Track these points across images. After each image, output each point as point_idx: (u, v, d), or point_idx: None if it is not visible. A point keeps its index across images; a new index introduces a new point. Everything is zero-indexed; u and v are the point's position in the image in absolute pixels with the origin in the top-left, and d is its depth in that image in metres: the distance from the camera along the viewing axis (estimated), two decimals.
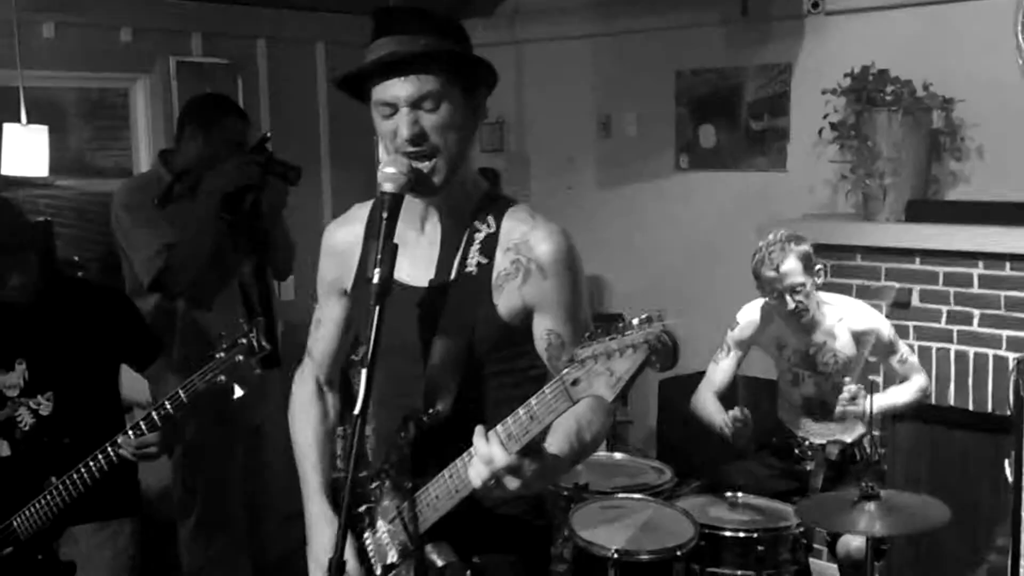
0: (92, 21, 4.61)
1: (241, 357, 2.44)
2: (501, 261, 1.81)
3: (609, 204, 5.43)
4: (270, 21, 5.17)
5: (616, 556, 2.78)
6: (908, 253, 4.03)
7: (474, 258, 1.82)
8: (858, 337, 3.37)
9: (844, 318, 3.39)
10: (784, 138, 4.76)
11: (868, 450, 3.40)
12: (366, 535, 1.89)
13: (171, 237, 3.14)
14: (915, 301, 4.03)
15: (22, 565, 2.67)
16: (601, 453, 3.75)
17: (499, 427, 1.62)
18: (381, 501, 1.86)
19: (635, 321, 1.47)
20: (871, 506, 2.76)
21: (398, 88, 1.71)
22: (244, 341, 2.44)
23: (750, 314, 3.52)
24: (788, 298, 3.25)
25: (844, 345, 3.37)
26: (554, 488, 3.25)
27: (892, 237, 4.06)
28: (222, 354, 2.47)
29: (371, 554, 1.87)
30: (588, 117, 5.47)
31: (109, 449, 2.56)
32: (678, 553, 2.83)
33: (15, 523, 2.65)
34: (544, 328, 1.81)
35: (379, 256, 1.68)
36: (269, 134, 3.35)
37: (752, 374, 4.03)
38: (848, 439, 3.40)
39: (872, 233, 4.12)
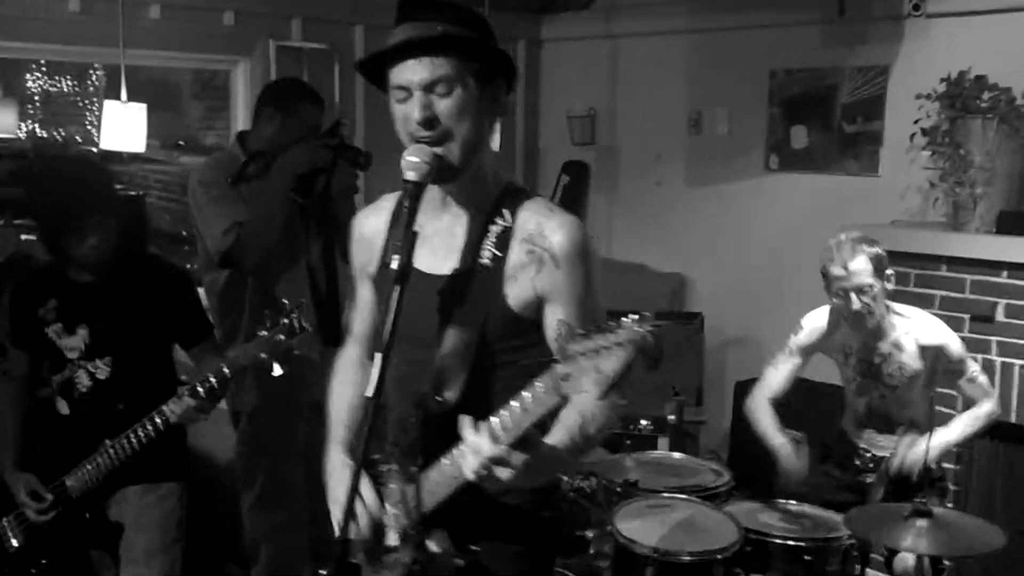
0: (196, 4, 4.77)
1: (283, 337, 2.54)
2: (516, 253, 1.84)
3: (696, 202, 5.38)
4: (368, 7, 5.23)
5: (655, 555, 2.78)
6: (995, 266, 3.89)
7: (488, 250, 1.85)
8: (925, 351, 3.27)
9: (912, 330, 3.29)
10: (877, 142, 4.64)
11: (932, 466, 3.29)
12: None
13: (243, 215, 3.24)
14: (1000, 316, 3.89)
15: (71, 523, 2.80)
16: (659, 452, 3.74)
17: (493, 418, 1.64)
18: (388, 483, 1.90)
19: (625, 320, 1.47)
20: (922, 523, 2.69)
21: (411, 72, 1.75)
22: (286, 321, 2.53)
23: (816, 320, 3.45)
24: (854, 297, 3.17)
25: (910, 358, 3.28)
26: (606, 483, 3.26)
27: (979, 248, 3.93)
28: (265, 333, 2.56)
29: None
30: (679, 113, 5.42)
31: (156, 417, 2.68)
32: (719, 556, 2.80)
33: (68, 482, 2.79)
34: (555, 318, 1.82)
35: (399, 243, 1.72)
36: (343, 120, 3.42)
37: (819, 379, 3.94)
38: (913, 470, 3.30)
39: (959, 243, 4.00)
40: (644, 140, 5.64)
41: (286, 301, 2.62)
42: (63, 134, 9.07)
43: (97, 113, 8.98)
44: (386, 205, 2.04)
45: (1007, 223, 3.91)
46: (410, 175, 1.76)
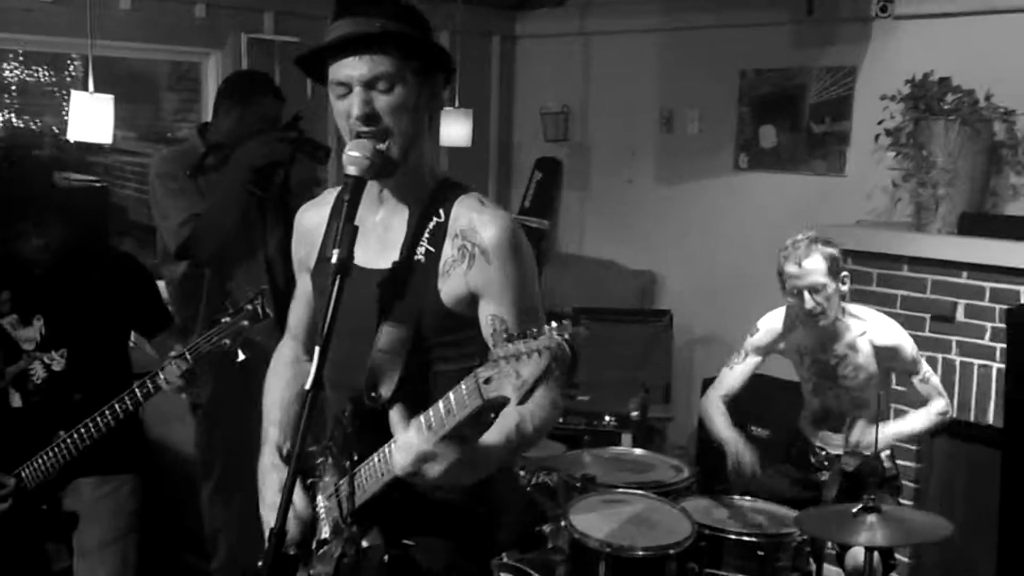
0: None
1: (246, 323, 2.55)
2: (448, 248, 1.85)
3: (667, 200, 5.41)
4: None
5: (608, 549, 2.80)
6: (956, 266, 3.92)
7: (423, 247, 1.86)
8: (880, 352, 3.30)
9: (867, 332, 3.32)
10: (845, 142, 4.68)
11: (886, 465, 3.33)
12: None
13: (200, 207, 3.25)
14: (960, 316, 3.92)
15: (27, 515, 2.80)
16: (620, 448, 3.76)
17: (420, 417, 1.66)
18: (323, 477, 1.91)
19: (546, 327, 1.49)
20: (871, 518, 2.72)
21: (352, 68, 1.76)
22: (249, 308, 2.54)
23: (772, 322, 3.48)
24: (807, 296, 3.20)
25: (865, 359, 3.31)
26: (565, 478, 3.29)
27: (940, 249, 3.96)
28: (227, 319, 2.57)
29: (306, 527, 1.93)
30: (651, 111, 5.45)
31: (116, 405, 2.68)
32: (671, 551, 2.82)
33: (23, 473, 2.78)
34: (488, 313, 1.83)
35: (338, 237, 1.73)
36: (301, 113, 3.41)
37: (778, 376, 3.97)
38: (865, 452, 3.34)
39: (921, 244, 4.03)
40: (616, 137, 5.66)
41: (248, 288, 2.63)
42: (39, 124, 9.03)
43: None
44: (328, 199, 2.05)
45: (968, 224, 3.94)
46: (351, 170, 1.77)
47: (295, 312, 2.16)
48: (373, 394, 1.82)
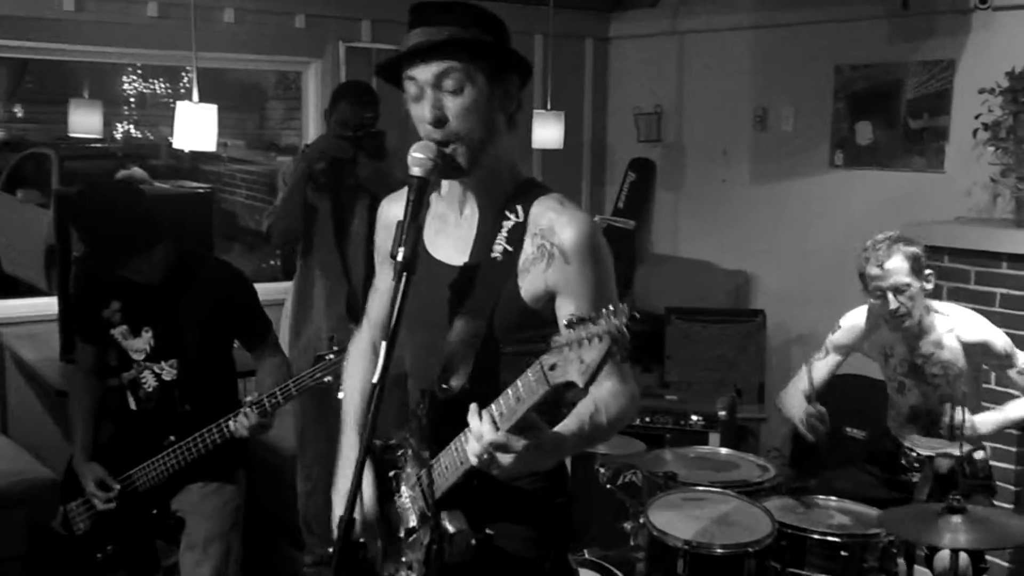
0: (268, 8, 4.94)
1: None
2: (528, 247, 1.89)
3: (761, 199, 5.36)
4: None
5: (687, 547, 2.81)
6: None
7: (500, 245, 1.91)
8: (968, 349, 3.23)
9: (954, 328, 3.24)
10: (943, 138, 4.57)
11: (979, 465, 3.25)
12: (395, 498, 2.02)
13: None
14: None
15: (137, 515, 2.94)
16: (705, 448, 3.76)
17: (492, 406, 1.71)
18: (405, 468, 1.98)
19: (604, 311, 1.53)
20: (956, 519, 2.67)
21: (422, 72, 1.82)
22: None
23: (854, 319, 3.43)
24: (891, 297, 3.15)
25: (953, 356, 3.24)
26: (649, 476, 3.30)
27: None
28: (331, 356, 2.67)
29: (397, 517, 2.00)
30: (745, 110, 5.41)
31: (223, 425, 2.80)
32: (750, 549, 2.82)
33: (135, 475, 2.93)
34: (567, 312, 1.86)
35: (403, 235, 1.80)
36: (370, 114, 3.68)
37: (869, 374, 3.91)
38: (957, 452, 3.27)
39: (1021, 240, 3.92)
40: (710, 137, 5.64)
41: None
42: (154, 134, 9.43)
43: None
44: None
45: None
46: (415, 170, 1.83)
47: (375, 303, 2.22)
48: (444, 386, 1.88)
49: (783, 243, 5.24)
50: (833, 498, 3.27)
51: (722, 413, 4.13)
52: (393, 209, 2.13)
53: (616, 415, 1.87)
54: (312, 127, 5.28)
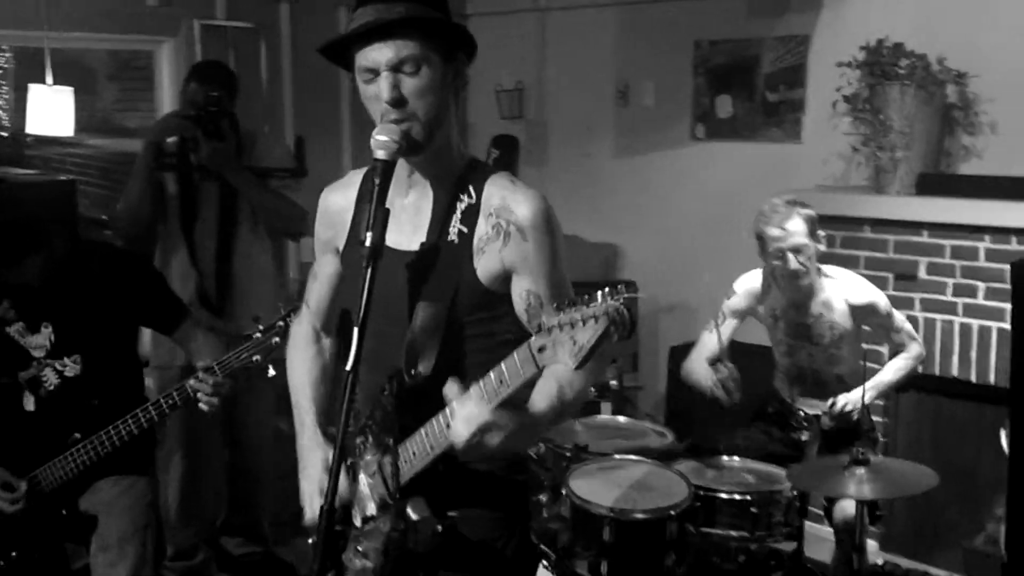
0: None
1: (278, 340, 2.57)
2: (482, 227, 1.89)
3: (625, 172, 5.48)
4: None
5: (611, 514, 2.87)
6: (916, 226, 4.06)
7: (455, 227, 1.90)
8: (854, 310, 3.42)
9: (842, 290, 3.44)
10: (799, 110, 4.79)
11: (862, 420, 3.45)
12: (350, 487, 1.99)
13: None
14: (922, 274, 4.07)
15: (44, 516, 2.80)
16: (605, 416, 3.84)
17: (472, 388, 1.70)
18: (364, 456, 1.95)
19: (599, 293, 1.54)
20: (861, 471, 2.83)
21: (378, 53, 1.80)
22: (282, 324, 2.56)
23: (748, 283, 3.58)
24: (791, 257, 3.29)
25: (840, 317, 3.43)
26: (555, 448, 3.35)
27: (901, 210, 4.09)
28: (258, 335, 2.58)
29: (353, 505, 1.97)
30: (607, 86, 5.51)
31: (150, 410, 2.69)
32: (672, 513, 2.91)
33: (40, 476, 2.77)
34: (523, 288, 1.88)
35: (371, 220, 1.77)
36: (213, 92, 3.59)
37: (749, 341, 4.08)
38: (852, 412, 3.45)
39: (881, 206, 4.16)
40: (572, 112, 5.71)
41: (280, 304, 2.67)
42: None
43: (6, 96, 8.72)
44: (353, 180, 2.08)
45: (926, 185, 4.07)
46: (379, 154, 1.81)
47: (315, 291, 2.20)
48: (413, 372, 1.86)
49: (649, 215, 5.38)
50: (736, 459, 3.41)
51: (613, 383, 4.23)
52: (335, 197, 2.10)
53: (579, 391, 1.90)
54: (167, 109, 5.07)
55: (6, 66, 8.90)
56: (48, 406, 2.81)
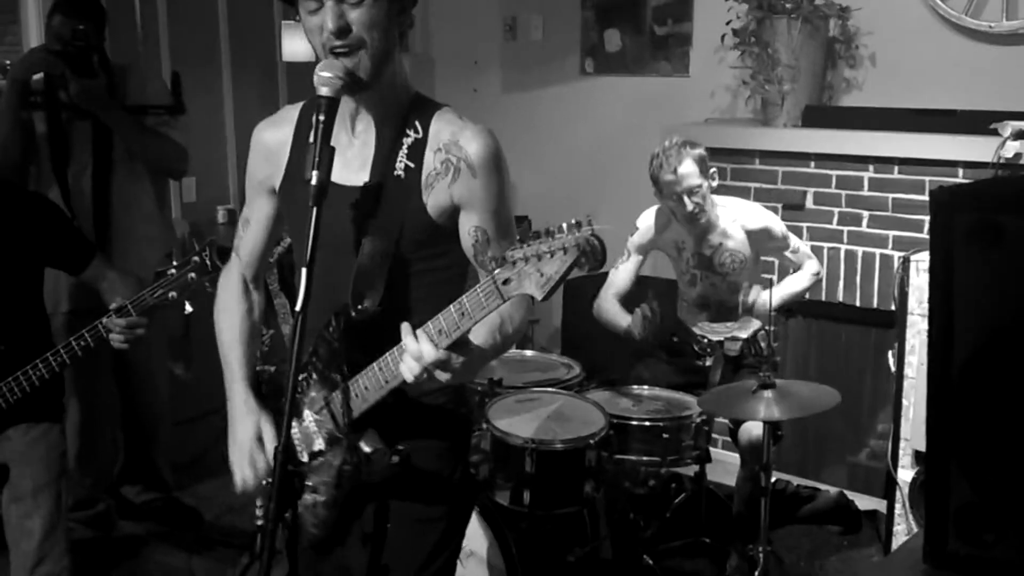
0: None
1: (194, 275, 2.49)
2: (431, 162, 1.87)
3: (514, 107, 5.47)
4: None
5: (532, 445, 2.92)
6: (803, 157, 4.20)
7: (402, 162, 1.88)
8: (752, 235, 3.54)
9: (737, 218, 3.55)
10: (687, 43, 4.86)
11: (763, 344, 3.58)
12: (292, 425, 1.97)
13: None
14: (809, 203, 4.22)
15: None
16: (512, 351, 3.88)
17: (430, 323, 1.70)
18: (308, 393, 1.93)
19: (564, 225, 1.56)
20: (768, 394, 2.95)
21: None
22: (197, 259, 2.48)
23: (647, 220, 3.66)
24: (686, 199, 3.38)
25: (739, 244, 3.54)
26: (469, 384, 3.38)
27: (788, 141, 4.22)
28: (173, 271, 2.50)
29: (296, 443, 1.95)
30: (494, 20, 5.47)
31: (61, 354, 2.59)
32: (591, 442, 2.98)
33: None
34: (471, 224, 1.88)
35: (316, 158, 1.73)
36: (80, 27, 3.44)
37: (652, 274, 4.18)
38: (744, 335, 3.59)
39: (770, 138, 4.28)
40: (459, 47, 5.66)
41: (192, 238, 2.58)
42: None
43: None
44: (289, 116, 2.02)
45: (812, 117, 4.21)
46: (323, 90, 1.77)
47: (246, 238, 2.12)
48: (360, 307, 1.84)
49: (541, 150, 5.40)
50: (645, 387, 3.50)
51: None
52: (271, 134, 2.04)
53: (519, 324, 1.92)
54: (34, 39, 4.80)
55: None
56: None
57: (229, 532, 3.95)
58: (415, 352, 1.69)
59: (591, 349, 4.35)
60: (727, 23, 4.33)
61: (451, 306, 1.68)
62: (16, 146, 3.51)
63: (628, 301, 3.64)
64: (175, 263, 2.52)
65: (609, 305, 3.62)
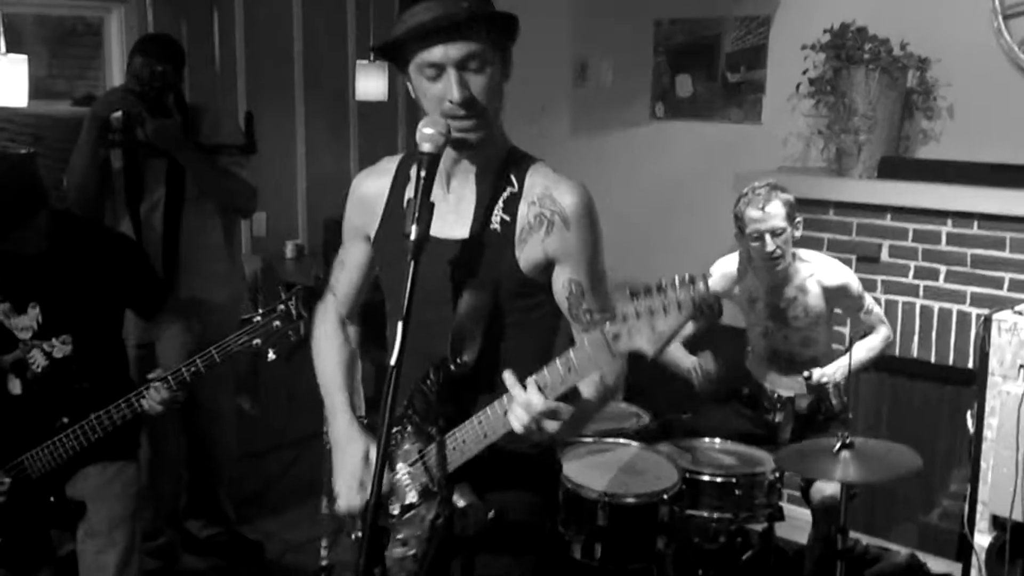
0: None
1: (278, 323, 2.51)
2: (524, 216, 1.88)
3: (582, 152, 5.47)
4: None
5: (605, 499, 2.89)
6: (879, 209, 4.14)
7: (498, 216, 1.89)
8: (828, 292, 3.49)
9: (815, 273, 3.50)
10: (760, 91, 4.83)
11: (834, 401, 3.51)
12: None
13: None
14: (884, 256, 4.15)
15: (31, 504, 2.72)
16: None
17: (535, 376, 1.70)
18: (401, 445, 1.94)
19: (676, 281, 1.55)
20: (846, 454, 2.89)
21: (447, 51, 1.76)
22: (283, 308, 2.50)
23: (726, 267, 3.62)
24: (768, 239, 3.34)
25: (814, 300, 3.49)
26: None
27: (864, 193, 4.16)
28: (258, 318, 2.53)
29: (388, 495, 1.95)
30: (564, 64, 5.48)
31: (133, 401, 2.61)
32: (664, 497, 2.94)
33: (26, 462, 2.69)
34: (566, 278, 1.89)
35: (416, 213, 1.74)
36: (157, 67, 3.54)
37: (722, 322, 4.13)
38: (827, 385, 3.52)
39: (845, 188, 4.23)
40: (528, 91, 5.66)
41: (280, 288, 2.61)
42: None
43: None
44: (388, 167, 2.05)
45: (889, 168, 4.15)
46: (426, 147, 1.78)
47: (342, 279, 2.17)
48: (459, 360, 1.84)
49: (608, 195, 5.30)
50: (716, 440, 3.45)
51: None
52: (369, 184, 2.07)
53: (618, 378, 1.93)
54: (116, 77, 4.91)
55: None
56: (35, 389, 2.74)
57: (291, 570, 3.95)
58: (523, 402, 1.69)
59: (655, 396, 4.31)
60: (803, 72, 4.30)
61: (556, 360, 1.68)
62: (93, 181, 3.61)
63: (693, 345, 3.60)
64: (260, 310, 2.55)
65: (673, 347, 3.58)
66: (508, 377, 1.72)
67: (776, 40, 4.72)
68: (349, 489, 2.01)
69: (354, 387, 2.15)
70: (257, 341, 2.55)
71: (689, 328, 3.60)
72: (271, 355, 2.56)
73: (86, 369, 2.74)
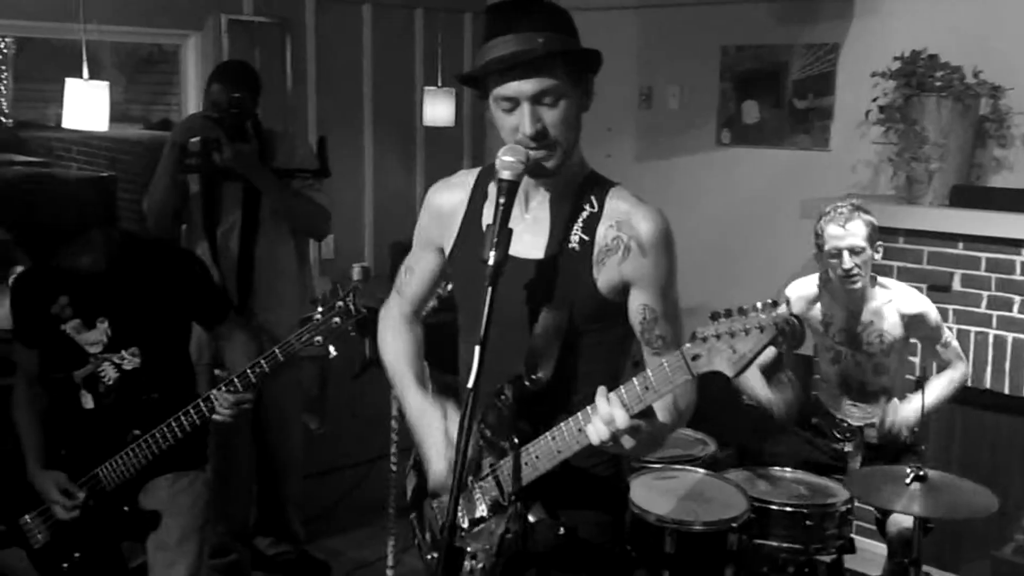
0: None
1: (338, 320, 2.56)
2: (603, 238, 1.91)
3: (647, 176, 5.47)
4: None
5: (673, 525, 2.88)
6: (951, 238, 4.09)
7: (576, 235, 1.92)
8: (907, 320, 3.44)
9: (894, 300, 3.46)
10: (828, 117, 4.80)
11: (905, 434, 3.46)
12: None
13: None
14: (956, 285, 4.10)
15: (105, 516, 2.78)
16: None
17: (613, 393, 1.72)
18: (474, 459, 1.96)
19: (759, 304, 1.57)
20: (919, 487, 2.85)
21: (521, 86, 1.81)
22: (341, 304, 2.55)
23: (803, 289, 3.57)
24: (846, 256, 3.30)
25: (891, 326, 3.45)
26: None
27: (935, 221, 4.12)
28: (319, 316, 2.57)
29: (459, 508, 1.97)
30: (630, 88, 5.50)
31: (202, 405, 2.67)
32: (733, 525, 2.92)
33: (100, 474, 2.76)
34: (640, 302, 1.91)
35: (495, 239, 1.77)
36: (237, 94, 3.62)
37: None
38: (901, 434, 3.46)
39: (916, 216, 4.18)
40: (594, 114, 5.65)
41: (337, 284, 2.66)
42: None
43: (6, 83, 8.60)
44: (465, 181, 2.09)
45: (961, 197, 4.11)
46: (505, 174, 1.82)
47: (410, 284, 2.22)
48: (534, 376, 1.87)
49: (674, 219, 5.31)
50: (787, 470, 3.42)
51: None
52: (446, 197, 2.11)
53: (690, 402, 1.95)
54: (192, 104, 5.02)
55: (5, 51, 8.79)
56: (107, 402, 2.82)
57: None
58: (606, 416, 1.71)
59: (722, 423, 4.28)
60: (873, 100, 4.27)
61: (634, 379, 1.71)
62: (171, 205, 3.71)
63: (769, 374, 3.58)
64: (320, 309, 2.59)
65: (751, 375, 3.55)
66: (600, 390, 1.75)
67: (844, 67, 4.70)
68: (437, 457, 2.04)
69: (423, 373, 2.19)
70: (319, 339, 2.60)
71: (771, 352, 3.59)
72: (332, 351, 2.61)
73: (155, 381, 2.81)
